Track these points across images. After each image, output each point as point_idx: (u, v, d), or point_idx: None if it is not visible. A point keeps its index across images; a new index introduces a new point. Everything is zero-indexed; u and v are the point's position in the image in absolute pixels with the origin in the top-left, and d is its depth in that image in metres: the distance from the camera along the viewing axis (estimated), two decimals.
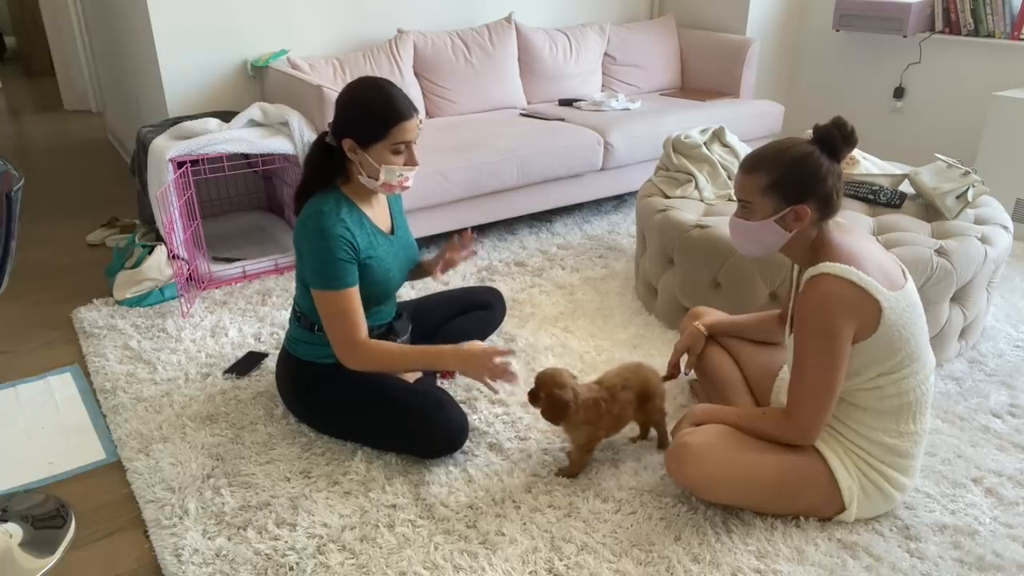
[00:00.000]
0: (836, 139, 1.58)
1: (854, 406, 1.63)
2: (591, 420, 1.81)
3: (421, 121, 1.88)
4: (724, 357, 2.04)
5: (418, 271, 2.23)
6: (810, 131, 1.64)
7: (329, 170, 1.89)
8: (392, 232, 2.02)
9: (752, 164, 1.62)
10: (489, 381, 1.85)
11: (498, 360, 1.82)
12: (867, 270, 1.54)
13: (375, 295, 1.94)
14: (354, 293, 1.86)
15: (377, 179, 1.84)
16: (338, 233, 1.81)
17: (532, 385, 1.85)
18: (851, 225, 1.68)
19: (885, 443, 1.62)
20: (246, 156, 3.02)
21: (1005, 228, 2.40)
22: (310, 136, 2.93)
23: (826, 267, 1.54)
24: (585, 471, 1.87)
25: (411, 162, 1.85)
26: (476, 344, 1.88)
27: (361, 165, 1.84)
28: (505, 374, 1.83)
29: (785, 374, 1.83)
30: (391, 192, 1.89)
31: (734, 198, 1.97)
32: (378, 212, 1.98)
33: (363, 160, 1.83)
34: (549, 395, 1.79)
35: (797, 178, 1.57)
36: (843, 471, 1.64)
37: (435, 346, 1.91)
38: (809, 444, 1.64)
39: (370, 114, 1.79)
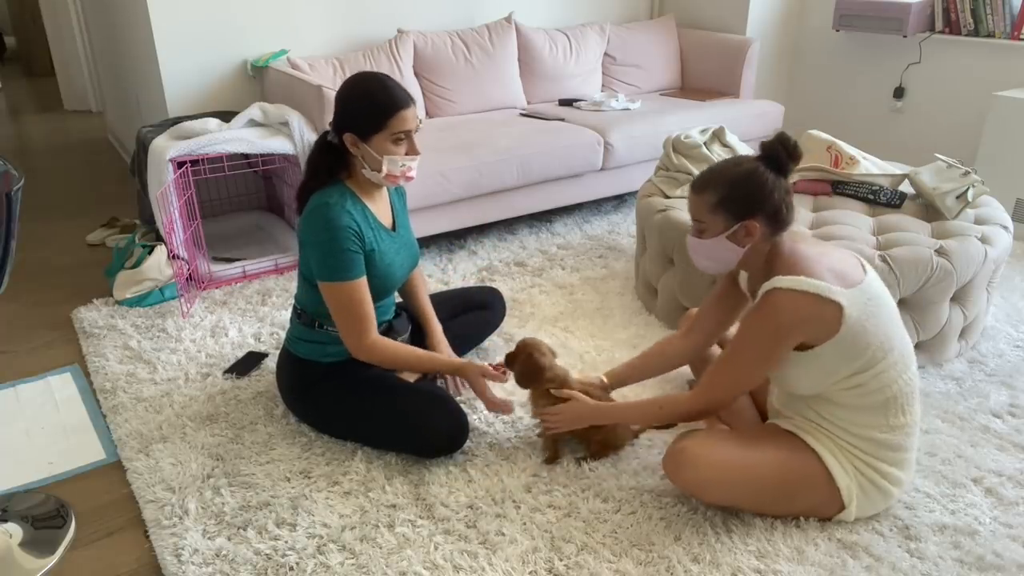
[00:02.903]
0: (781, 154, 1.61)
1: (839, 405, 1.63)
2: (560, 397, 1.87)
3: (420, 120, 1.89)
4: None
5: (428, 334, 2.19)
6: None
7: (332, 166, 1.89)
8: (394, 229, 2.02)
9: (701, 184, 1.65)
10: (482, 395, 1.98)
11: (491, 388, 1.96)
12: (819, 274, 1.55)
13: (376, 289, 1.95)
14: (362, 284, 1.87)
15: (380, 171, 1.85)
16: (345, 224, 1.82)
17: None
18: (804, 234, 1.69)
19: (876, 439, 1.62)
20: (246, 156, 3.02)
21: (1005, 228, 2.40)
22: (310, 136, 2.93)
23: (777, 281, 1.56)
24: (585, 473, 1.87)
25: (412, 151, 1.86)
26: (473, 365, 1.98)
27: (364, 158, 1.85)
28: (497, 407, 1.97)
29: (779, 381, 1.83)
30: (395, 183, 1.89)
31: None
32: (380, 207, 1.99)
33: (365, 153, 1.83)
34: (528, 357, 1.87)
35: (744, 195, 1.60)
36: (840, 470, 1.64)
37: (440, 355, 2.03)
38: (712, 415, 1.69)
39: (368, 106, 1.80)
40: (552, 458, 1.91)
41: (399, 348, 1.93)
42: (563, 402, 1.86)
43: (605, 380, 1.97)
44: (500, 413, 2.01)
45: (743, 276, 1.78)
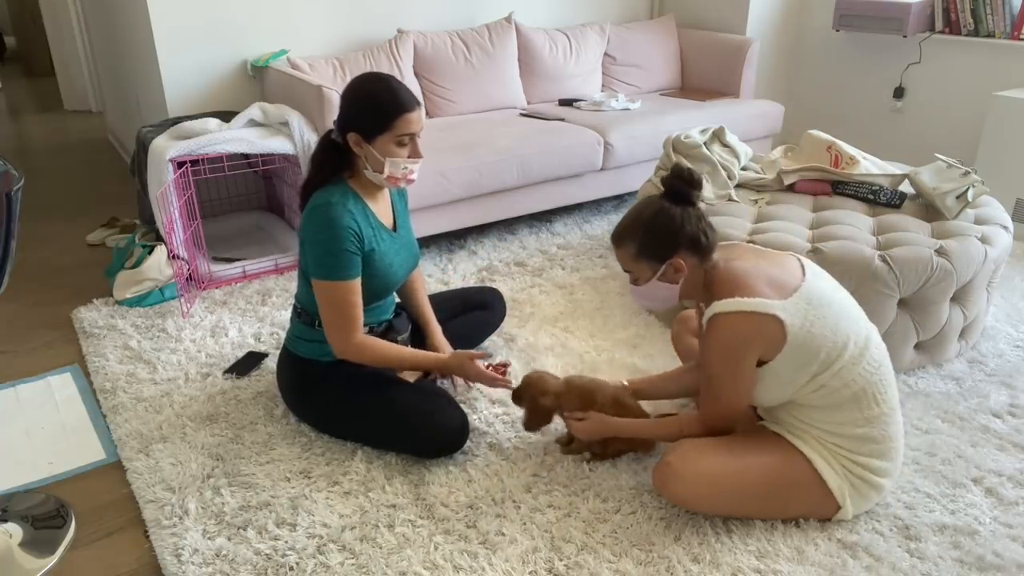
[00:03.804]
0: (680, 186, 1.64)
1: (811, 407, 1.63)
2: (586, 406, 1.88)
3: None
4: None
5: (428, 335, 2.19)
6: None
7: (335, 165, 1.89)
8: (394, 229, 2.03)
9: (617, 238, 1.70)
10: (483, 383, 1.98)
11: (484, 367, 1.96)
12: (756, 290, 1.56)
13: (375, 289, 1.95)
14: (356, 286, 1.87)
15: (382, 172, 1.85)
16: (346, 223, 1.82)
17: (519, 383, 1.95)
18: (738, 249, 1.70)
19: (856, 434, 1.62)
20: (246, 156, 3.02)
21: (1005, 228, 2.40)
22: (310, 136, 2.93)
23: (716, 307, 1.58)
24: (585, 473, 1.87)
25: (415, 154, 1.86)
26: (459, 354, 1.99)
27: (366, 159, 1.85)
28: (495, 382, 1.96)
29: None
30: (396, 185, 1.89)
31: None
32: (381, 207, 1.99)
33: (368, 153, 1.84)
34: (531, 401, 1.88)
35: (658, 238, 1.64)
36: (830, 471, 1.64)
37: (425, 352, 2.00)
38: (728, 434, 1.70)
39: (374, 107, 1.80)
40: (571, 447, 1.93)
41: (385, 346, 1.93)
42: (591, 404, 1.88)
43: (628, 385, 1.97)
44: (503, 387, 2.00)
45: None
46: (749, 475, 1.63)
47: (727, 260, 1.65)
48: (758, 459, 1.64)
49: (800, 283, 1.59)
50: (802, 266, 1.65)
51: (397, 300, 2.21)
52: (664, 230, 1.63)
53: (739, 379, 1.59)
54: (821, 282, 1.63)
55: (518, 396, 1.93)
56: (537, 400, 1.88)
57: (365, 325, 1.99)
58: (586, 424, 1.83)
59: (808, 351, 1.56)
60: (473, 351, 1.98)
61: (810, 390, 1.60)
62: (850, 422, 1.62)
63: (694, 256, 1.64)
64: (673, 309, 2.55)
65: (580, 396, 1.88)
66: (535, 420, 1.90)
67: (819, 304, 1.58)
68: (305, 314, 1.98)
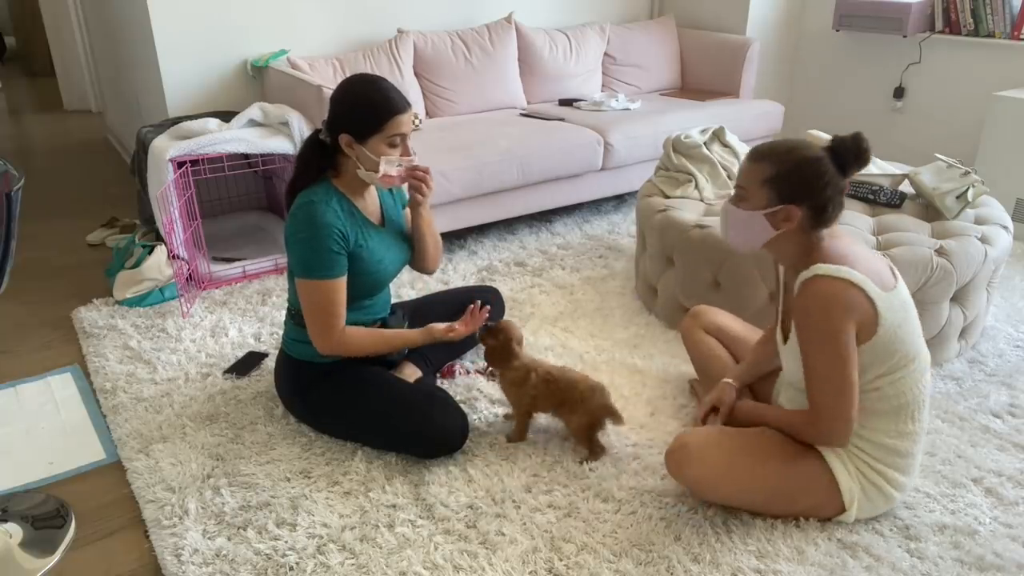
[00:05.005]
0: (849, 153, 1.56)
1: None
2: (518, 383, 1.94)
3: (417, 118, 1.89)
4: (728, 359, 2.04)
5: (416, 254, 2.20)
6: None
7: (320, 164, 1.90)
8: (383, 224, 2.03)
9: (759, 154, 1.61)
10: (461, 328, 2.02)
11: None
12: (864, 271, 1.54)
13: (367, 285, 1.95)
14: (340, 285, 1.86)
15: (376, 172, 1.85)
16: (328, 222, 1.82)
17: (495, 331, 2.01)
18: (841, 230, 1.67)
19: (885, 444, 1.62)
20: (246, 156, 3.02)
21: (1005, 228, 2.40)
22: None
23: (819, 268, 1.54)
24: (585, 473, 1.87)
25: (406, 154, 1.88)
26: (433, 328, 2.03)
27: (359, 159, 1.85)
28: (468, 325, 2.02)
29: (788, 375, 1.80)
30: (391, 184, 1.89)
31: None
32: (369, 204, 1.99)
33: (360, 154, 1.84)
34: (506, 343, 1.96)
35: (798, 178, 1.56)
36: (844, 472, 1.64)
37: (407, 329, 2.05)
38: (844, 444, 1.61)
39: (366, 108, 1.81)
40: (515, 438, 1.98)
41: (367, 333, 1.95)
42: (523, 382, 1.93)
43: (735, 384, 1.88)
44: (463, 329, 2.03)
45: (781, 272, 1.75)
46: (765, 468, 1.63)
47: (832, 237, 1.61)
48: (775, 452, 1.64)
49: (895, 284, 1.58)
50: (893, 272, 1.63)
51: (394, 300, 2.21)
52: (809, 177, 1.56)
53: (842, 353, 1.51)
54: (907, 291, 1.62)
55: (494, 333, 2.01)
56: (486, 339, 1.99)
57: (360, 324, 2.00)
58: (738, 414, 1.79)
59: (887, 350, 1.55)
60: (451, 325, 2.02)
61: (866, 389, 1.59)
62: (883, 431, 1.62)
63: (810, 218, 1.58)
64: (674, 309, 2.55)
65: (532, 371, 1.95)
66: (486, 354, 2.01)
67: (907, 309, 1.57)
68: (298, 316, 1.97)
